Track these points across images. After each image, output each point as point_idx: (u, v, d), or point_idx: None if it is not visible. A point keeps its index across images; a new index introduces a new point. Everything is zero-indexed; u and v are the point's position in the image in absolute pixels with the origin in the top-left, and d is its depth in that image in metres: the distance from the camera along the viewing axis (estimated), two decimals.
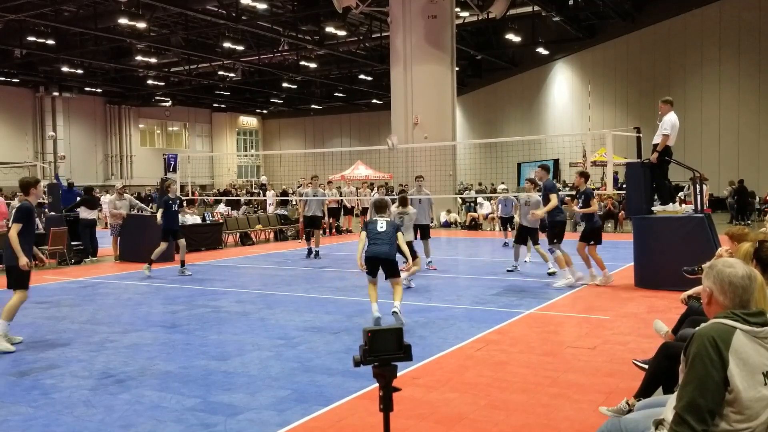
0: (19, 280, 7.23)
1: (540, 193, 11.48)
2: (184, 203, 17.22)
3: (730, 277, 2.61)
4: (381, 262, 7.95)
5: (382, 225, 8.14)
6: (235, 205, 26.69)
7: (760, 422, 2.47)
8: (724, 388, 2.43)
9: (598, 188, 22.42)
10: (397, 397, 2.80)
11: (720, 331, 2.50)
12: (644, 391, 4.25)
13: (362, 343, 2.70)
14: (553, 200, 10.76)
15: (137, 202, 17.19)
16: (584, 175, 11.10)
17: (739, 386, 2.43)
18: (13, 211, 7.47)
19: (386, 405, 2.74)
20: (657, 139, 10.46)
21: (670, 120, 10.31)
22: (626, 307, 8.90)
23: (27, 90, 42.36)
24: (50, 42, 29.76)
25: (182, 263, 13.27)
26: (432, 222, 13.65)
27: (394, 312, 7.81)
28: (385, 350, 2.68)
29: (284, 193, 28.80)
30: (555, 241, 10.75)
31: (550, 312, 8.78)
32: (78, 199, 16.59)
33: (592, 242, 10.73)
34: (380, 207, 8.90)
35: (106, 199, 26.41)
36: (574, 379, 5.72)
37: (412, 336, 7.22)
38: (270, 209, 24.96)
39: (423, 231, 13.41)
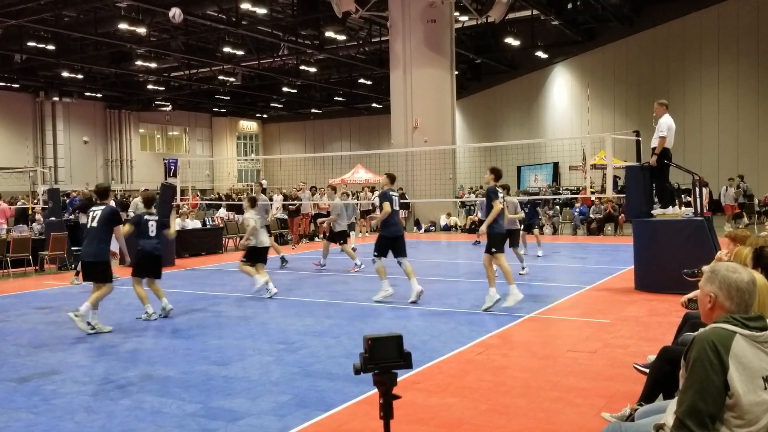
0: (107, 275, 8.24)
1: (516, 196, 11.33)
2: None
3: (737, 282, 2.61)
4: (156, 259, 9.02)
5: (152, 230, 9.06)
6: (238, 209, 26.65)
7: (761, 426, 2.47)
8: (725, 393, 2.43)
9: (597, 191, 22.48)
10: (397, 402, 2.80)
11: (720, 335, 2.51)
12: (647, 397, 4.25)
13: (362, 351, 2.70)
14: (386, 208, 9.84)
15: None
16: (494, 172, 9.44)
17: (739, 390, 2.43)
18: (107, 213, 8.22)
19: (386, 413, 2.74)
20: (654, 142, 10.47)
21: (666, 122, 10.33)
22: (627, 311, 8.89)
23: (27, 95, 42.38)
24: (50, 47, 29.80)
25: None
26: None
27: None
28: (385, 358, 2.68)
29: (285, 198, 28.78)
30: (377, 253, 9.93)
31: (551, 316, 8.78)
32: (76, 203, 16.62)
33: (494, 250, 9.24)
34: (149, 202, 9.61)
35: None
36: (575, 383, 5.72)
37: (412, 340, 7.22)
38: (276, 213, 24.95)
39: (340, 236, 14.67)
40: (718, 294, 2.64)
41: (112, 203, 8.68)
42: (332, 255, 15.06)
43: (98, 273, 8.19)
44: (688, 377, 2.49)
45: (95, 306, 8.10)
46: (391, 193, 10.13)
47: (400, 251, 9.93)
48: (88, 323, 8.05)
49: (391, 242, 9.94)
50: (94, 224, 8.15)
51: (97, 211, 8.24)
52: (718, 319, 2.60)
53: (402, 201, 23.90)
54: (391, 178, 10.28)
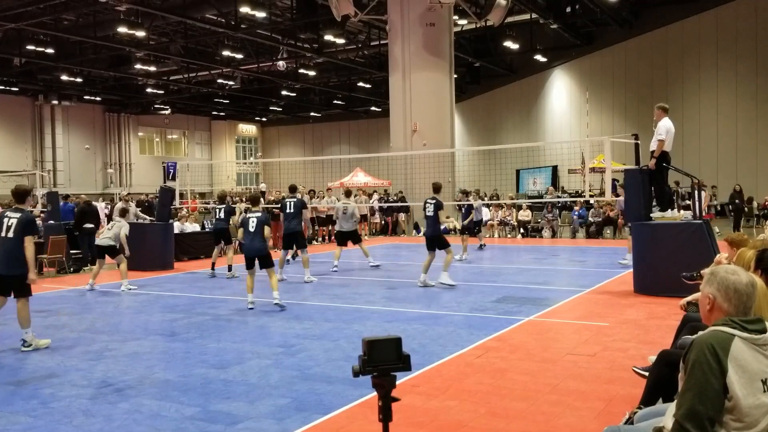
0: (26, 288, 7.60)
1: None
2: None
3: (735, 284, 2.61)
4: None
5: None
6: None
7: (760, 429, 2.47)
8: (724, 396, 2.43)
9: (593, 195, 22.49)
10: (396, 405, 2.80)
11: (719, 338, 2.51)
12: (647, 400, 4.24)
13: (361, 353, 2.69)
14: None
15: (137, 209, 17.21)
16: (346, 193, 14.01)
17: (738, 393, 2.43)
18: (23, 222, 7.49)
19: (385, 415, 2.74)
20: (653, 146, 10.49)
21: (664, 125, 10.36)
22: (626, 314, 8.89)
23: (26, 98, 42.37)
24: (49, 50, 29.79)
25: None
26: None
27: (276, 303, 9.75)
28: (384, 360, 2.68)
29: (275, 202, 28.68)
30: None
31: (550, 319, 8.78)
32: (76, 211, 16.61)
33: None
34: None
35: (101, 206, 26.47)
36: (574, 386, 5.71)
37: (411, 343, 7.21)
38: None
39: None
40: (716, 295, 2.65)
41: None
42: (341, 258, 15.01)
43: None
44: (687, 380, 2.49)
45: None
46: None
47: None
48: None
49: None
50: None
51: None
52: (716, 322, 2.60)
53: (401, 204, 24.08)
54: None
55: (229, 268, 13.85)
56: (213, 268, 14.16)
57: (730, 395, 2.43)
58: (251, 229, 9.96)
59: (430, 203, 11.84)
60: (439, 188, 12.21)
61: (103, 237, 12.41)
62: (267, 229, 10.00)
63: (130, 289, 12.07)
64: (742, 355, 2.47)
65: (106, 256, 12.37)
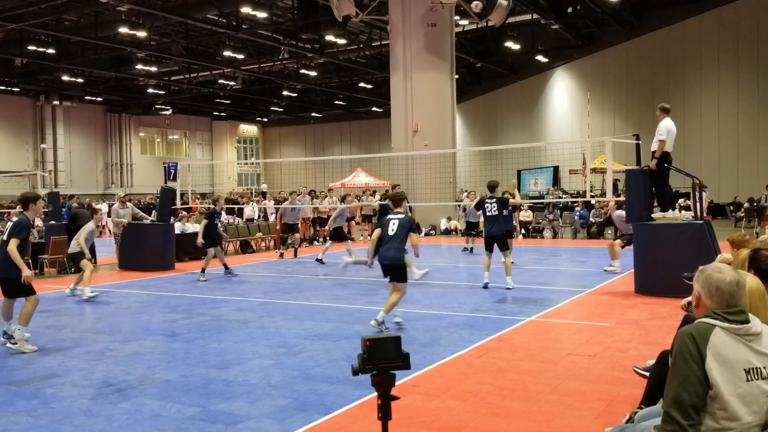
0: (25, 289, 7.52)
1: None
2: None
3: (717, 282, 2.66)
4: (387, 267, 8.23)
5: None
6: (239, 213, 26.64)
7: (748, 419, 2.47)
8: (706, 383, 2.47)
9: (594, 196, 22.47)
10: (397, 405, 2.80)
11: (699, 329, 2.57)
12: (647, 401, 4.25)
13: (361, 352, 2.70)
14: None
15: (138, 210, 17.21)
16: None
17: (719, 381, 2.47)
18: (9, 224, 7.70)
19: (385, 414, 2.74)
20: (654, 146, 10.49)
21: (665, 126, 10.36)
22: (627, 314, 8.88)
23: (27, 99, 42.42)
24: (51, 51, 29.84)
25: None
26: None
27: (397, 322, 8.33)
28: (383, 359, 2.68)
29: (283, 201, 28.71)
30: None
31: (551, 319, 8.78)
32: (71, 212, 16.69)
33: None
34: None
35: (103, 207, 26.52)
36: (575, 386, 5.71)
37: (412, 344, 7.22)
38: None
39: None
40: (701, 292, 2.72)
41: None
42: (339, 259, 15.00)
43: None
44: (671, 370, 2.56)
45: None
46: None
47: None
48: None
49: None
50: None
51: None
52: (701, 316, 2.68)
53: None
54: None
55: (226, 267, 14.25)
56: (227, 267, 14.35)
57: (711, 383, 2.47)
58: (390, 233, 8.16)
59: (491, 202, 11.49)
60: (495, 186, 11.82)
61: (73, 244, 11.88)
62: (414, 236, 8.33)
63: (91, 295, 11.20)
64: (722, 344, 2.52)
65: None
